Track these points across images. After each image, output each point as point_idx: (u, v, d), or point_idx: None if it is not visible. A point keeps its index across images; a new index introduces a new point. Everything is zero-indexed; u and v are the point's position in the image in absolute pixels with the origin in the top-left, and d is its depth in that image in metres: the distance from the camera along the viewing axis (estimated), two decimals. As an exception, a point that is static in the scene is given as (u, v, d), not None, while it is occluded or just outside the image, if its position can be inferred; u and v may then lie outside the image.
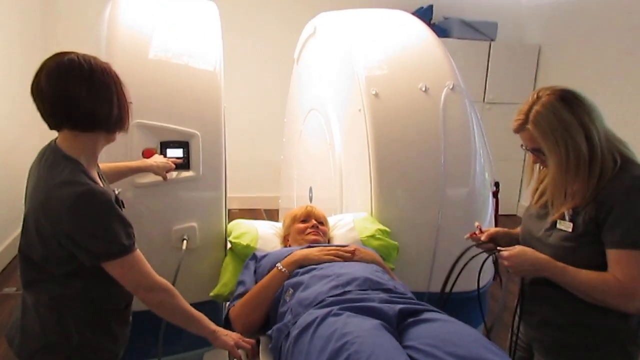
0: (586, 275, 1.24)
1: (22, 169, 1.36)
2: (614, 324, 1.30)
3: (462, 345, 1.08)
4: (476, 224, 1.62)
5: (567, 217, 1.30)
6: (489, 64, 4.69)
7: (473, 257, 1.56)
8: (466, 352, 1.05)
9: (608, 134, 1.28)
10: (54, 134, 1.26)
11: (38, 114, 1.19)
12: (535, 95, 1.31)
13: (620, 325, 1.30)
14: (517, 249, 1.34)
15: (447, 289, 1.64)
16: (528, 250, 1.34)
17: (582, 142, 1.24)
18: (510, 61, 4.73)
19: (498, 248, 1.42)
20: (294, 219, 1.91)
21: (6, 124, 3.36)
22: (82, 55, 1.19)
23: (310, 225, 1.85)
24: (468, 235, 1.56)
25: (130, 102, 1.29)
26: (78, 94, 1.15)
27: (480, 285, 2.14)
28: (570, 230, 1.29)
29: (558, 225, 1.32)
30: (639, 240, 1.20)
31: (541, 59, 4.79)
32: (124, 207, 1.35)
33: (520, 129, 1.33)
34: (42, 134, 1.29)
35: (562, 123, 1.25)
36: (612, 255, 1.22)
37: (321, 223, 1.91)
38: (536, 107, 1.28)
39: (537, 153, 1.33)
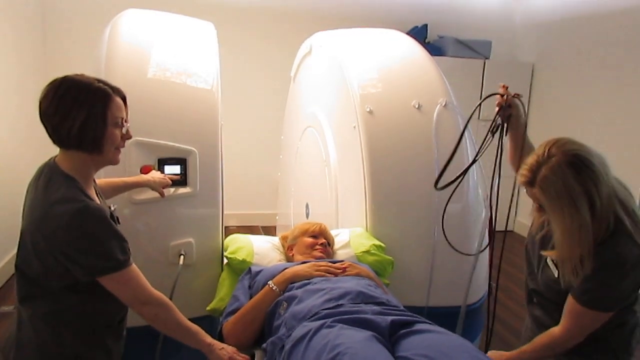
0: (535, 345, 1.39)
1: (20, 186, 1.39)
2: (608, 334, 1.36)
3: (453, 356, 1.09)
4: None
5: (553, 259, 1.39)
6: (484, 82, 4.75)
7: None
8: None
9: (611, 192, 1.26)
10: (52, 151, 1.29)
11: (35, 133, 1.23)
12: (545, 153, 1.26)
13: (614, 334, 1.36)
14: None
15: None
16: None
17: (586, 212, 1.22)
18: (504, 79, 4.70)
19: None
20: (305, 232, 1.94)
21: (4, 143, 3.39)
22: (72, 76, 1.22)
23: (319, 242, 1.89)
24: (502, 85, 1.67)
25: (119, 126, 1.28)
26: (47, 109, 1.19)
27: (474, 300, 2.18)
28: (555, 275, 1.37)
29: (547, 260, 1.40)
30: (591, 302, 1.28)
31: (535, 77, 4.86)
32: (119, 223, 1.37)
33: (526, 186, 1.31)
34: (39, 152, 1.32)
35: (569, 192, 1.22)
36: (569, 301, 1.32)
37: (329, 244, 1.94)
38: (545, 171, 1.24)
39: (543, 210, 1.32)
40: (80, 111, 1.19)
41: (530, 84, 4.88)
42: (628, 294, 1.30)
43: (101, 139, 1.23)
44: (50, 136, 1.22)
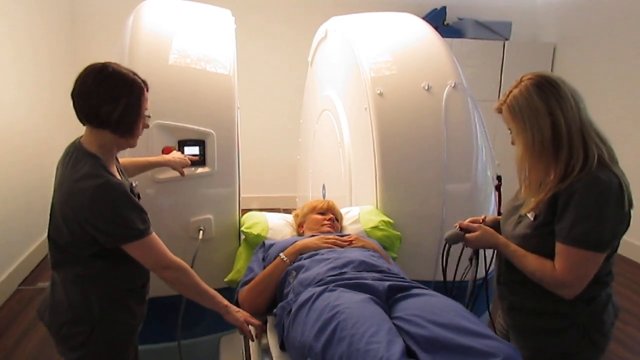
0: (528, 259, 1.32)
1: (54, 172, 1.50)
2: (576, 310, 1.33)
3: (443, 315, 1.18)
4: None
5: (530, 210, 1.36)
6: (504, 63, 4.72)
7: (450, 244, 1.64)
8: (445, 321, 1.15)
9: (586, 126, 1.29)
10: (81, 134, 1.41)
11: (67, 119, 1.34)
12: (519, 79, 1.36)
13: (582, 310, 1.33)
14: (480, 231, 1.44)
15: (446, 278, 1.75)
16: (489, 232, 1.43)
17: (546, 128, 1.27)
18: (525, 60, 4.75)
19: (466, 235, 1.49)
20: (313, 209, 2.03)
21: (39, 132, 3.59)
22: (113, 64, 1.34)
23: (327, 218, 1.98)
24: (457, 224, 1.58)
25: (149, 116, 1.42)
26: (87, 91, 1.30)
27: (481, 276, 2.25)
28: (532, 218, 1.34)
29: (525, 215, 1.38)
30: (578, 239, 1.23)
31: (556, 57, 4.81)
32: (139, 198, 1.49)
33: (499, 110, 1.40)
34: (70, 139, 1.44)
35: (531, 108, 1.29)
36: (557, 247, 1.28)
37: (337, 219, 2.03)
38: (514, 91, 1.33)
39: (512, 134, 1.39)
40: (122, 98, 1.32)
41: (552, 65, 4.82)
42: (612, 227, 1.24)
43: (135, 125, 1.38)
44: (81, 114, 1.33)
